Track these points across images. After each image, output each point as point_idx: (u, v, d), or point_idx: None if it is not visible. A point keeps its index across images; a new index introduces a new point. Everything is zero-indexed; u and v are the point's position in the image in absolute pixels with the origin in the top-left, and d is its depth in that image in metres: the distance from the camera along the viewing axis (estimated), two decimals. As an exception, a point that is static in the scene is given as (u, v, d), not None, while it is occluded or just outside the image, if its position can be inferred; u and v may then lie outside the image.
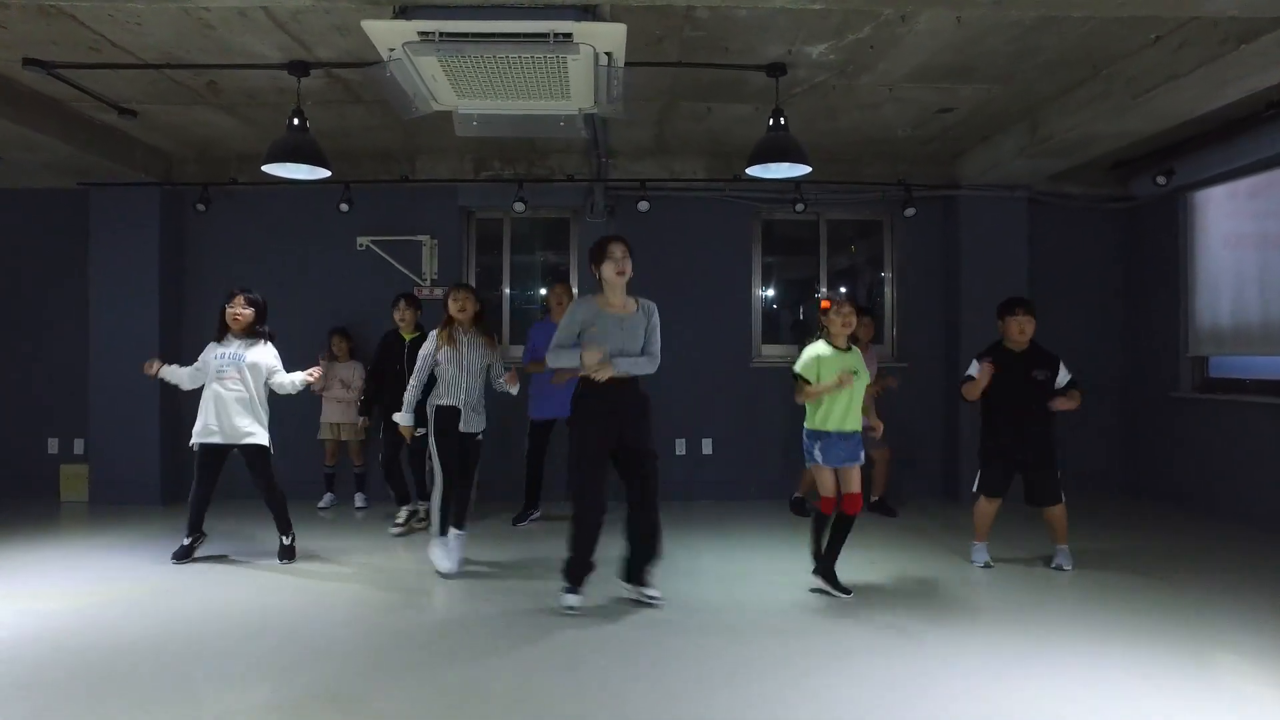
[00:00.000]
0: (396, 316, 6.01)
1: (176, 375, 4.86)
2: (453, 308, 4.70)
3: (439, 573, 4.55)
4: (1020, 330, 4.62)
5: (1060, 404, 4.56)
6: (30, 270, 7.07)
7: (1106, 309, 7.30)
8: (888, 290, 7.36)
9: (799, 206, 6.56)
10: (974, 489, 4.80)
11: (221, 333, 4.85)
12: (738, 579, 4.56)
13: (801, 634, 3.68)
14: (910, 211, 6.71)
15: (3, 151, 5.69)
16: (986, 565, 4.72)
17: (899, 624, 3.78)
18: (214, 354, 4.80)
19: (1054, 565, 4.67)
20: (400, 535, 5.64)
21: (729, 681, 3.13)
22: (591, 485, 3.81)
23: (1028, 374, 4.60)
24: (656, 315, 4.02)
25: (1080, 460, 7.11)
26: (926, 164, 6.94)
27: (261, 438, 4.80)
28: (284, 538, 4.89)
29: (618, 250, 3.90)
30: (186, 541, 4.86)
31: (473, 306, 4.74)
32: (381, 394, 5.98)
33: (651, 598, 3.97)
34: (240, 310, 4.81)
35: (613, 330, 3.84)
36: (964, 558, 4.88)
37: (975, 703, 2.95)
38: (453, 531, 4.61)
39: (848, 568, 4.42)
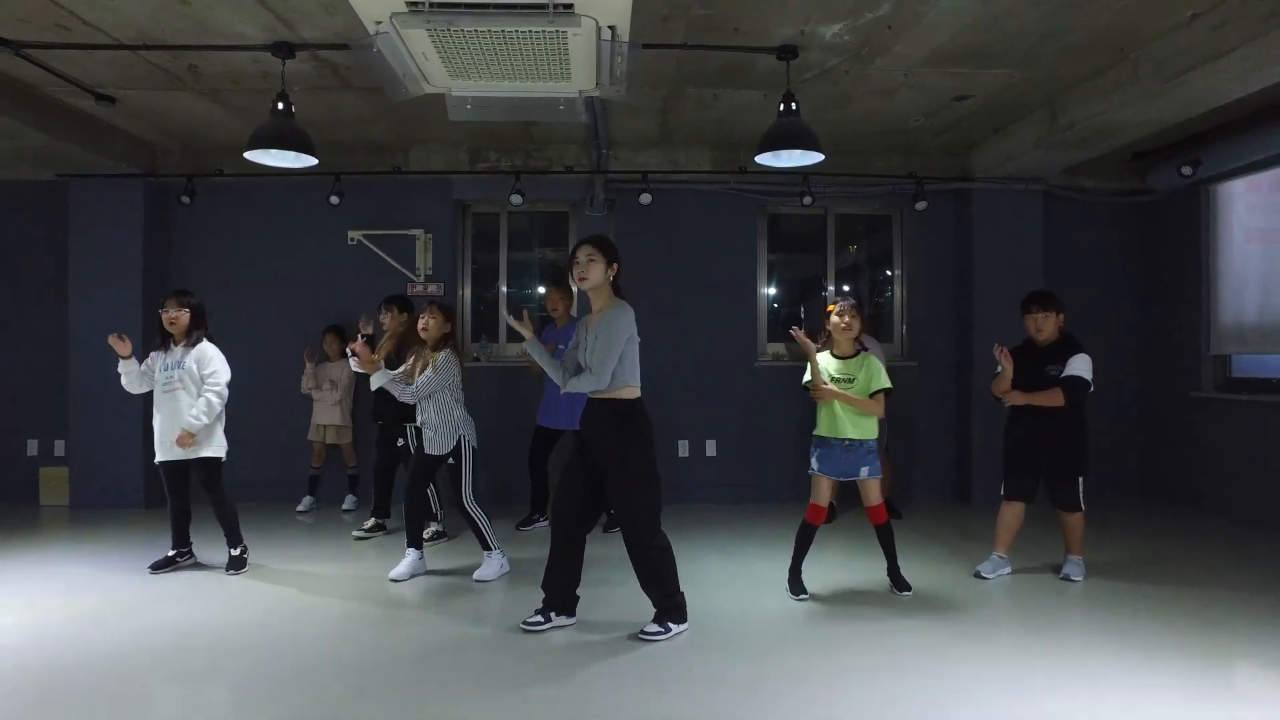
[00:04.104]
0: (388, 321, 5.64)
1: (129, 370, 4.50)
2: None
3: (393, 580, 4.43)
4: (1037, 329, 4.35)
5: (1009, 395, 4.30)
6: (7, 266, 6.78)
7: (1124, 306, 7.05)
8: (897, 287, 7.12)
9: (806, 200, 6.30)
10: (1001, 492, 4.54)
11: (164, 340, 4.54)
12: (745, 587, 4.30)
13: (816, 648, 3.43)
14: (921, 205, 6.47)
15: (-25, 140, 5.45)
16: (977, 575, 4.39)
17: (917, 638, 3.53)
18: (159, 364, 4.51)
19: (1061, 574, 4.40)
20: (363, 539, 5.43)
21: (742, 701, 2.89)
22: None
23: (1041, 369, 4.32)
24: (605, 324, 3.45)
25: (1097, 462, 6.83)
26: (938, 156, 6.71)
27: (209, 450, 4.50)
28: (233, 549, 4.60)
29: (579, 254, 3.46)
30: (170, 553, 4.62)
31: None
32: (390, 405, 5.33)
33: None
34: (174, 314, 4.49)
35: (580, 340, 3.55)
36: (975, 564, 4.57)
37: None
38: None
39: (855, 573, 4.18)
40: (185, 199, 6.38)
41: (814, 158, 4.59)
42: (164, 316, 4.50)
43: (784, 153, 4.55)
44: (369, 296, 6.28)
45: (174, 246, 6.74)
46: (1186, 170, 5.79)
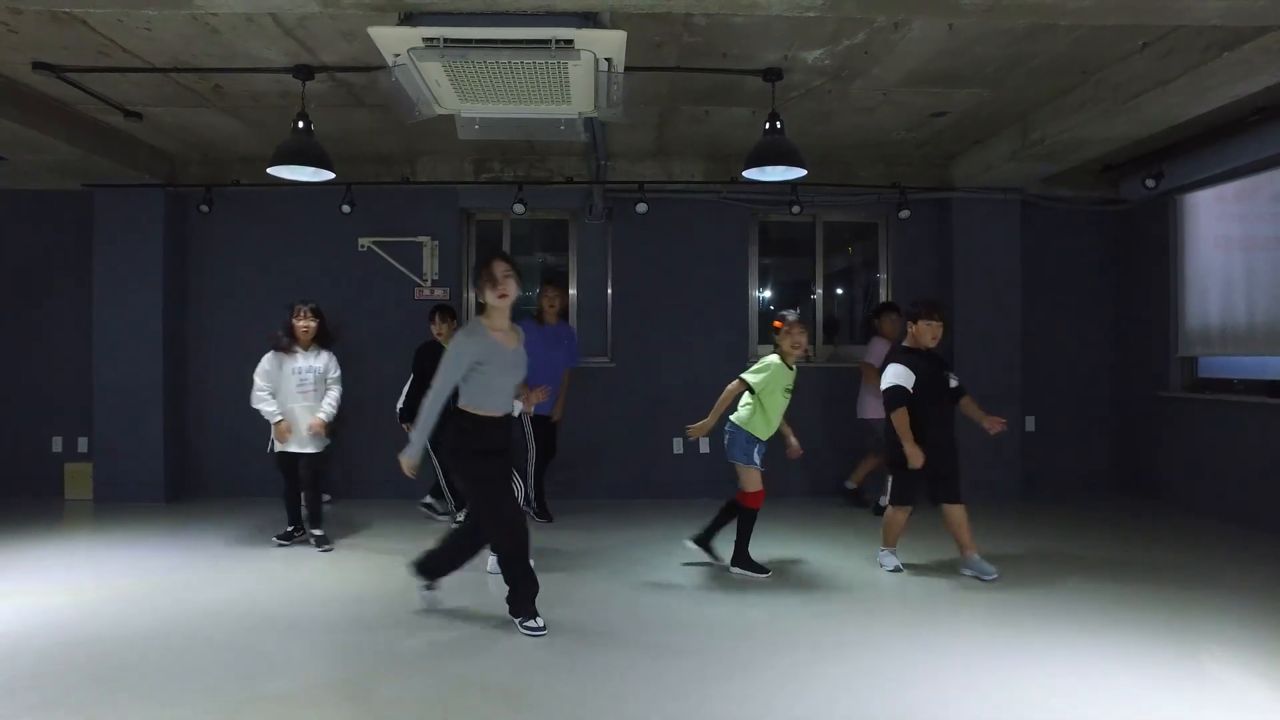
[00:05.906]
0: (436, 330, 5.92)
1: (269, 406, 5.10)
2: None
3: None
4: (934, 337, 4.60)
5: (991, 423, 4.58)
6: (35, 271, 7.12)
7: (1098, 309, 7.40)
8: (882, 291, 7.45)
9: (795, 208, 6.65)
10: (886, 500, 4.59)
11: (290, 345, 5.12)
12: (733, 574, 4.64)
13: (796, 628, 3.78)
14: (905, 213, 6.80)
15: (8, 153, 5.76)
16: (897, 569, 4.63)
17: (891, 619, 3.88)
18: (289, 368, 5.09)
19: (972, 573, 4.48)
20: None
21: (729, 676, 3.21)
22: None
23: (940, 375, 4.61)
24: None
25: (1072, 458, 7.24)
26: (921, 167, 7.04)
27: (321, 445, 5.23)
28: (318, 530, 5.21)
29: (499, 269, 3.49)
30: (290, 529, 5.27)
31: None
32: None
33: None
34: (308, 323, 5.13)
35: (508, 367, 3.59)
36: (954, 554, 4.83)
37: (966, 691, 3.05)
38: None
39: (842, 562, 4.53)
40: (204, 207, 6.72)
41: (797, 172, 4.93)
42: (297, 324, 5.14)
43: (769, 168, 4.88)
44: (378, 300, 6.65)
45: (192, 252, 7.07)
46: (1150, 183, 6.13)
